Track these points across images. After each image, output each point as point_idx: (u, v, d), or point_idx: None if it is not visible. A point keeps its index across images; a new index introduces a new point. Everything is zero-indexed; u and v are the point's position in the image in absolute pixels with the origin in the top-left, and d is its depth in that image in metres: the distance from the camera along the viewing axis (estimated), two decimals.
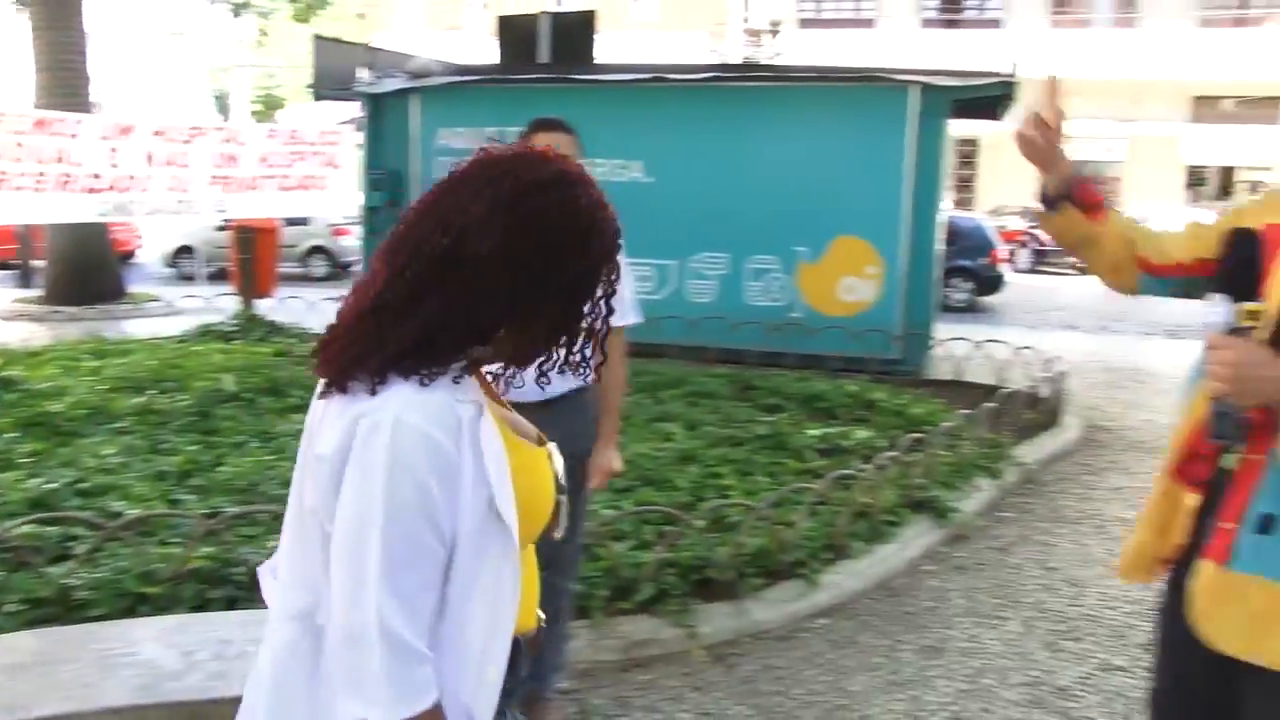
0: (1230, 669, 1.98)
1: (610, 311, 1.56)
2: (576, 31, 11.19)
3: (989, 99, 9.55)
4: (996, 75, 9.22)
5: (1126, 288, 2.26)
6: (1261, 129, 29.01)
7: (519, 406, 3.47)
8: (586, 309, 1.52)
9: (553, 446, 1.70)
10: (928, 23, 31.89)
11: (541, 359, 1.56)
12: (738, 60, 22.70)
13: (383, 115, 10.84)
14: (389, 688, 1.36)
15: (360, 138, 11.34)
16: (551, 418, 3.44)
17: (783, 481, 5.61)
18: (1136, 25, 31.48)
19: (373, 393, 1.40)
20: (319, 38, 11.72)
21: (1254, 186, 27.81)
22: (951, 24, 31.90)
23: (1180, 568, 2.09)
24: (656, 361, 8.43)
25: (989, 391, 7.82)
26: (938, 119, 9.20)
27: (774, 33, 24.43)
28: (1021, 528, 5.97)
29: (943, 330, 10.42)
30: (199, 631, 3.57)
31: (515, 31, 11.46)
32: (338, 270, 19.67)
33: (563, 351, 1.56)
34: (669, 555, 4.52)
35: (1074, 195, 2.19)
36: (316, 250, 20.14)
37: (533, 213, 1.43)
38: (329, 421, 1.44)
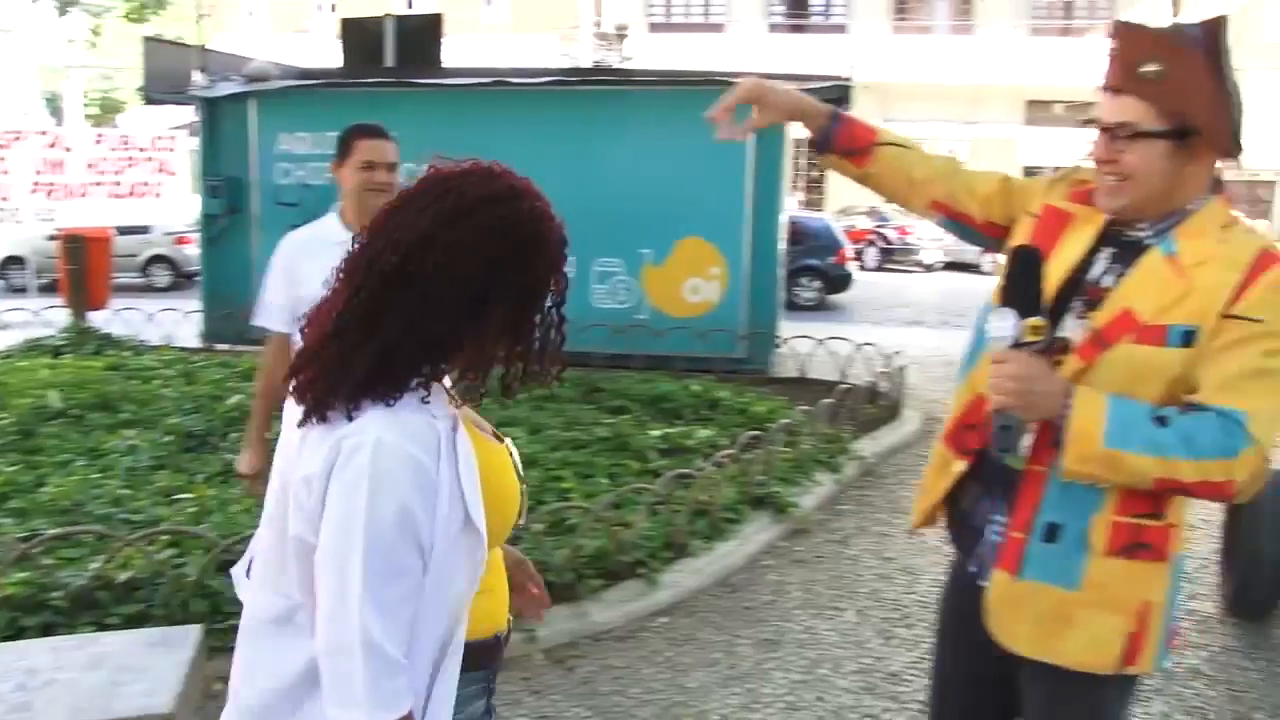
0: (1009, 662, 2.11)
1: (563, 320, 1.58)
2: (423, 35, 11.06)
3: (829, 102, 9.78)
4: (832, 79, 9.46)
5: (921, 217, 2.38)
6: (1091, 133, 30.46)
7: None
8: (537, 320, 1.55)
9: (510, 441, 1.75)
10: (775, 27, 32.51)
11: (501, 371, 1.58)
12: (588, 64, 22.77)
13: (219, 120, 10.52)
14: (370, 695, 1.41)
15: (196, 143, 10.98)
16: None
17: (623, 483, 5.65)
18: (973, 32, 32.74)
19: (350, 419, 1.44)
20: (149, 39, 11.31)
21: None
22: (798, 29, 32.58)
23: (961, 566, 2.19)
24: None
25: (832, 388, 8.01)
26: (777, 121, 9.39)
27: (621, 37, 24.55)
28: (860, 520, 6.14)
29: (791, 328, 10.64)
30: (5, 661, 3.39)
31: (359, 35, 11.26)
32: (181, 280, 18.99)
33: (520, 364, 1.57)
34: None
35: (833, 145, 2.28)
36: (158, 259, 19.41)
37: (474, 227, 1.46)
38: (311, 445, 1.47)
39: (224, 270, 10.42)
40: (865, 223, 25.87)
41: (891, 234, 25.45)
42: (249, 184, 10.42)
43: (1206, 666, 4.37)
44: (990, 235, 2.26)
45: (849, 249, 19.16)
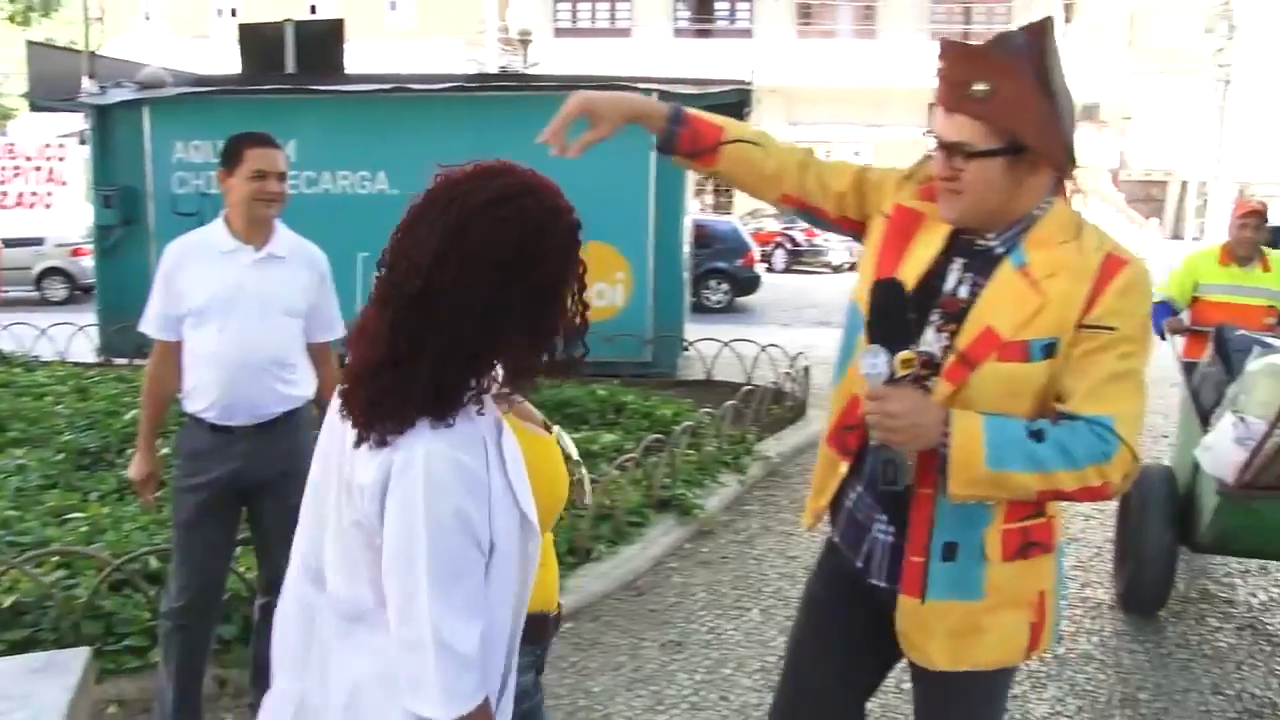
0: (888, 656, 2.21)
1: (586, 308, 1.61)
2: (324, 41, 10.90)
3: (731, 105, 9.88)
4: (734, 83, 9.56)
5: (776, 209, 2.38)
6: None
7: (232, 431, 3.37)
8: (561, 311, 1.57)
9: (559, 430, 1.81)
10: (680, 32, 32.71)
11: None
12: (494, 69, 22.68)
13: (111, 128, 10.25)
14: (442, 691, 1.48)
15: (88, 151, 10.69)
16: (269, 439, 3.37)
17: None
18: (876, 37, 33.33)
19: (401, 434, 1.48)
20: (33, 43, 11.01)
21: None
22: (703, 34, 32.83)
23: (845, 561, 2.21)
24: None
25: (738, 389, 8.09)
26: None
27: (525, 42, 24.49)
28: (764, 520, 6.21)
29: (698, 331, 10.71)
30: None
31: (258, 40, 11.07)
32: (79, 293, 18.40)
33: (545, 357, 1.59)
34: None
35: (677, 146, 2.25)
36: (52, 272, 18.79)
37: (480, 234, 1.48)
38: (364, 459, 1.52)
39: (120, 282, 10.15)
40: (773, 225, 26.12)
41: (799, 236, 25.74)
42: (144, 194, 10.17)
43: (1097, 651, 4.51)
44: (846, 228, 2.28)
45: (757, 251, 19.38)
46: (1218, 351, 5.03)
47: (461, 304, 1.48)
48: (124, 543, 4.62)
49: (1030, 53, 1.89)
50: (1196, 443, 4.54)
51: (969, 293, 2.00)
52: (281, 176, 3.37)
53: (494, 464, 1.52)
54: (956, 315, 1.99)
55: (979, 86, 1.86)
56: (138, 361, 9.21)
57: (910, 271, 2.04)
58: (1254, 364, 4.31)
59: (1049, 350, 1.93)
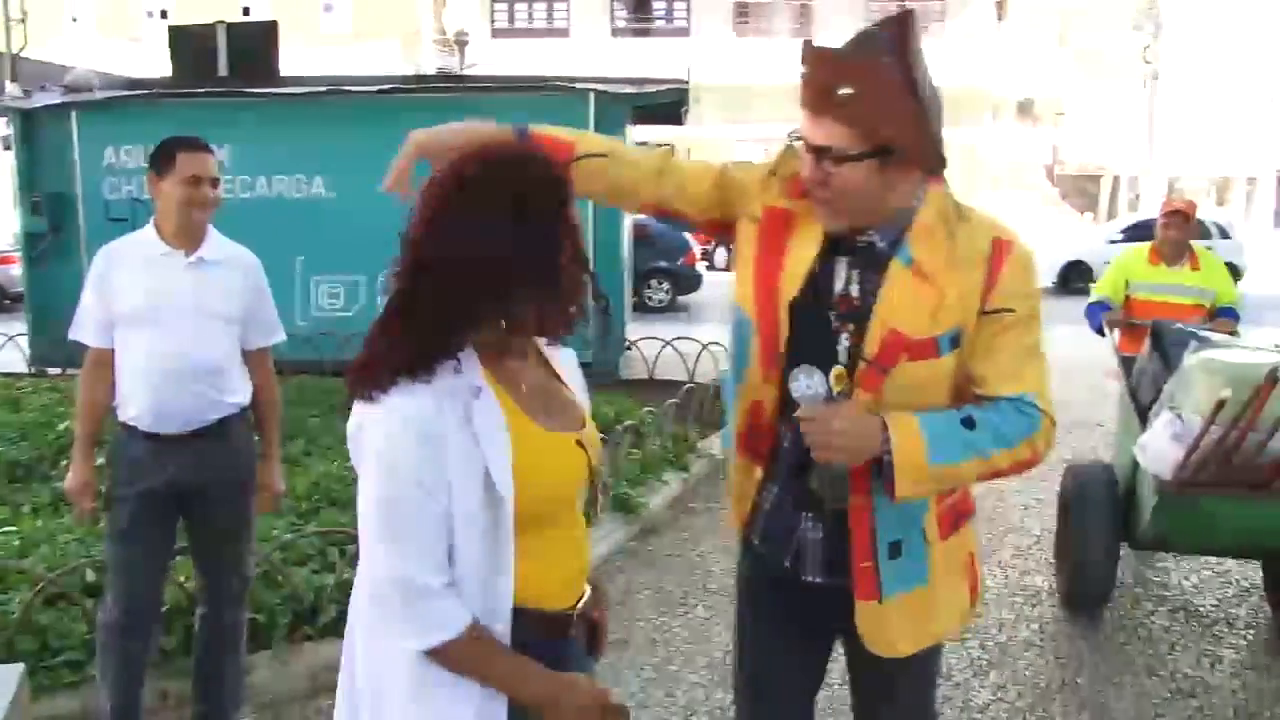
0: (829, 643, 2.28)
1: (582, 266, 1.70)
2: (258, 43, 10.74)
3: (670, 105, 9.91)
4: (670, 82, 9.58)
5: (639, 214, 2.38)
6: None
7: (166, 439, 3.31)
8: (552, 273, 1.65)
9: (586, 433, 1.81)
10: (617, 32, 32.72)
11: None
12: (432, 71, 22.52)
13: (37, 133, 10.04)
14: (410, 623, 1.61)
15: (11, 158, 10.44)
16: (204, 447, 3.33)
17: None
18: (813, 35, 33.53)
19: (385, 391, 1.61)
20: None
21: None
22: (641, 33, 32.87)
23: (770, 562, 2.21)
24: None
25: (680, 388, 8.11)
26: (618, 125, 9.45)
27: (461, 44, 24.34)
28: (709, 517, 6.24)
29: (640, 330, 10.74)
30: None
31: (190, 43, 10.87)
32: (6, 301, 17.98)
33: (548, 311, 1.69)
34: (352, 575, 4.42)
35: None
36: None
37: (460, 204, 1.60)
38: (352, 414, 1.68)
39: (51, 291, 9.93)
40: None
41: None
42: (74, 200, 9.97)
43: (1037, 638, 4.60)
44: (713, 231, 2.25)
45: (698, 250, 19.43)
46: (1155, 346, 4.99)
47: (449, 271, 1.59)
48: (59, 556, 4.53)
49: (894, 51, 1.85)
50: (1135, 439, 4.50)
51: (860, 290, 2.01)
52: (215, 182, 3.33)
53: (457, 421, 1.61)
54: (853, 315, 2.00)
55: (844, 90, 1.83)
56: (70, 371, 9.04)
57: (794, 273, 2.03)
58: (1190, 359, 4.23)
59: (955, 341, 1.97)
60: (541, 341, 1.85)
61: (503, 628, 1.68)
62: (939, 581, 2.13)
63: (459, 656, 1.64)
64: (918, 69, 1.86)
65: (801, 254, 2.03)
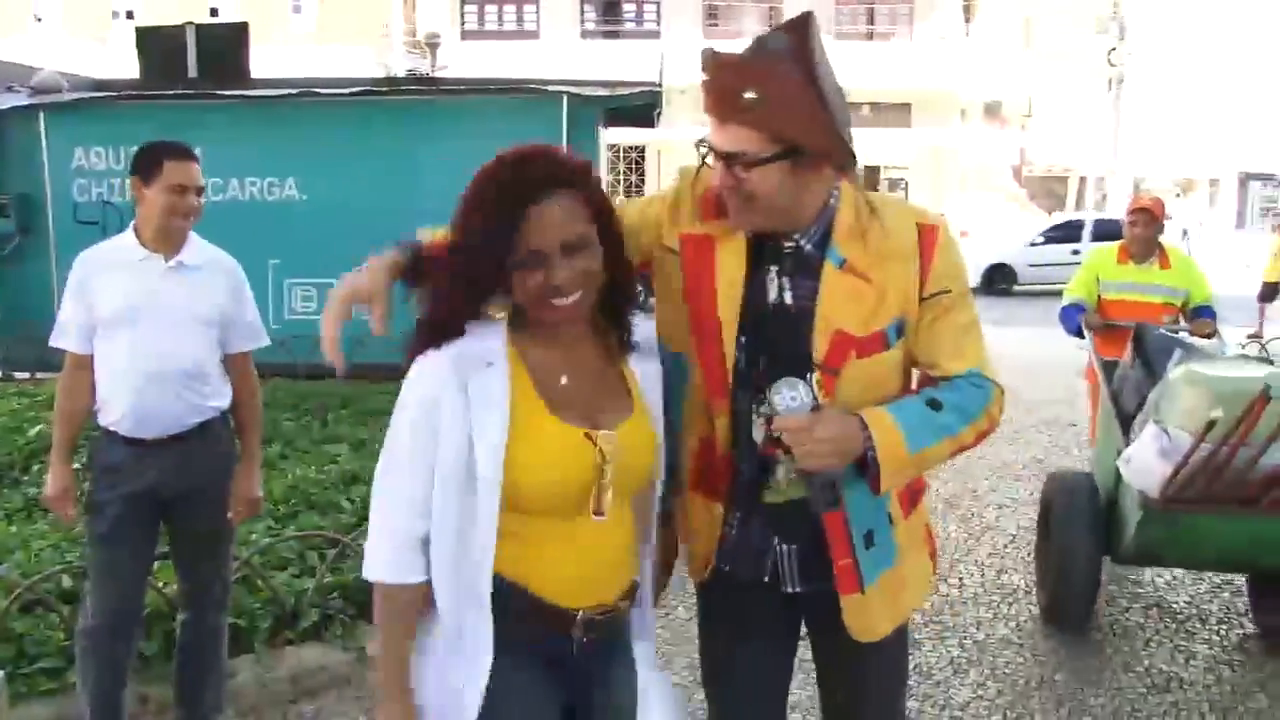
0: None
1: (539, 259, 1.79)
2: (228, 45, 10.65)
3: (642, 107, 9.92)
4: (643, 85, 9.58)
5: None
6: (897, 132, 31.79)
7: (147, 443, 3.29)
8: (491, 267, 1.80)
9: (606, 434, 1.85)
10: (587, 34, 32.68)
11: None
12: (401, 73, 22.42)
13: (5, 134, 9.87)
14: (369, 551, 1.86)
15: None
16: (185, 452, 3.31)
17: None
18: None
19: (414, 356, 1.85)
20: None
21: (892, 185, 30.45)
22: (611, 35, 32.87)
23: (742, 583, 2.19)
24: (323, 383, 8.20)
25: None
26: (590, 127, 9.44)
27: (433, 45, 24.25)
28: None
29: None
30: None
31: (158, 44, 10.76)
32: None
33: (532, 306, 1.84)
34: (333, 579, 4.42)
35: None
36: None
37: (466, 196, 1.84)
38: None
39: (19, 294, 9.81)
40: None
41: None
42: (43, 202, 9.85)
43: (1015, 636, 4.64)
44: (641, 271, 2.16)
45: None
46: (1137, 352, 4.87)
47: (461, 252, 1.82)
48: (34, 563, 4.49)
49: (795, 52, 1.86)
50: (1117, 449, 4.43)
51: (793, 297, 2.02)
52: (199, 190, 3.33)
53: (454, 384, 1.79)
54: (785, 321, 2.02)
55: (748, 95, 1.84)
56: (41, 375, 8.96)
57: (729, 295, 2.03)
58: (1175, 370, 4.11)
59: (900, 330, 2.02)
60: (628, 348, 1.97)
61: (479, 589, 1.82)
62: (904, 559, 2.18)
63: (377, 600, 1.88)
64: (819, 69, 1.86)
65: (731, 276, 2.03)
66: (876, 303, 1.98)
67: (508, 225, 1.77)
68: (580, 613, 1.88)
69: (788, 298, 2.02)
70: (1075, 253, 21.90)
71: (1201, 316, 5.67)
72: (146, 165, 3.25)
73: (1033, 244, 22.35)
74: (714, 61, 1.90)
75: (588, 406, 1.87)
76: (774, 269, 2.02)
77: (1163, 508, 3.95)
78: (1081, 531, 4.52)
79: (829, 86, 1.87)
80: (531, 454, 1.79)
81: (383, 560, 1.85)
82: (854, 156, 1.97)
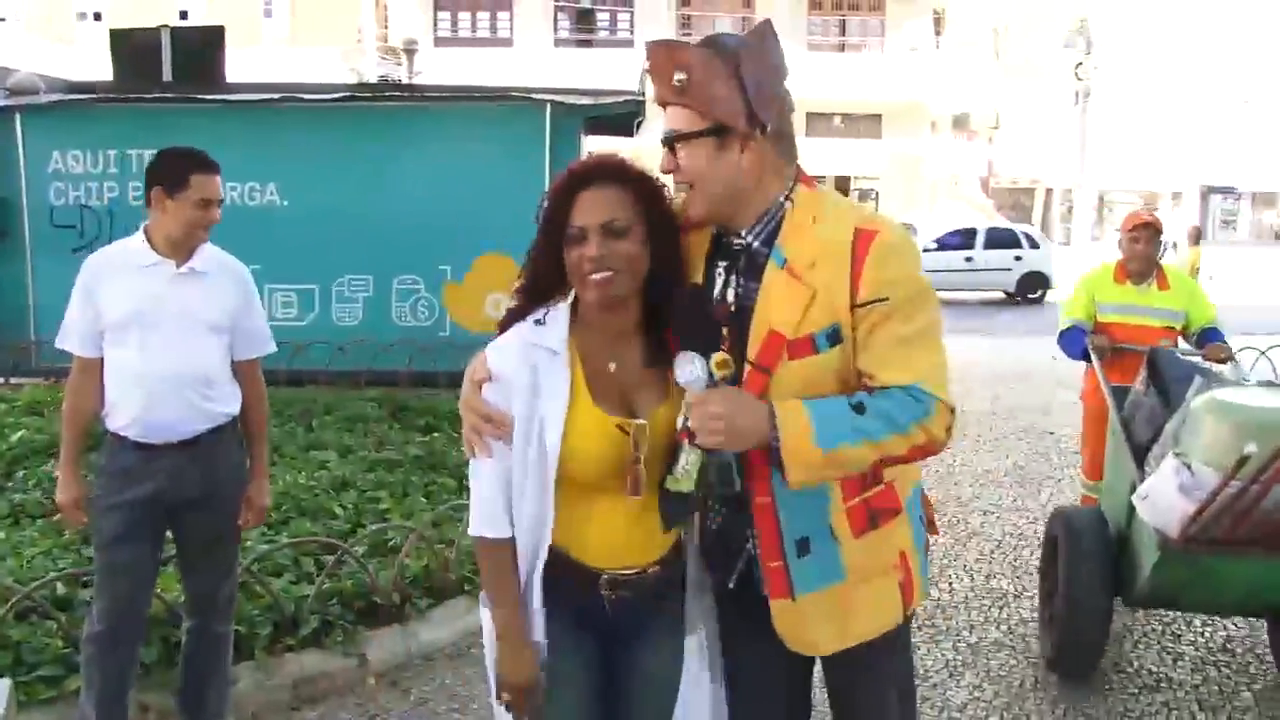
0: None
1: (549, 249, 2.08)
2: (203, 48, 10.58)
3: (621, 116, 9.94)
4: (624, 94, 9.60)
5: None
6: (867, 143, 32.05)
7: (155, 448, 3.26)
8: (542, 265, 2.09)
9: (639, 423, 1.99)
10: (560, 42, 32.68)
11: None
12: (374, 78, 22.32)
13: None
14: (472, 511, 2.12)
15: None
16: (193, 457, 3.29)
17: (441, 500, 5.63)
18: None
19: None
20: None
21: (862, 195, 30.63)
22: (585, 43, 32.90)
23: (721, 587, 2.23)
24: (306, 389, 8.16)
25: None
26: (571, 136, 9.46)
27: (410, 52, 24.19)
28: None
29: None
30: None
31: (132, 47, 10.67)
32: None
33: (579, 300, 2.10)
34: (331, 585, 4.41)
35: None
36: None
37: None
38: None
39: None
40: None
41: None
42: (19, 205, 9.73)
43: (1007, 638, 4.70)
44: None
45: None
46: (1152, 379, 4.43)
47: (536, 246, 2.09)
48: (26, 569, 4.45)
49: (730, 43, 2.00)
50: (1128, 481, 4.12)
51: (735, 295, 2.07)
52: (221, 202, 3.33)
53: (522, 363, 2.03)
54: (732, 319, 2.06)
55: (678, 76, 1.98)
56: (19, 380, 8.87)
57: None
58: (1197, 400, 3.77)
59: (833, 338, 2.00)
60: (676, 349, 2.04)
61: (542, 547, 2.06)
62: (857, 581, 2.13)
63: (479, 554, 2.15)
64: (746, 58, 1.97)
65: (691, 271, 2.14)
66: (807, 306, 1.98)
67: (563, 206, 2.02)
68: (605, 573, 2.10)
69: (729, 295, 2.08)
70: (968, 260, 22.28)
71: (1211, 340, 5.25)
72: (172, 177, 3.21)
73: (924, 250, 21.21)
74: (651, 50, 2.05)
75: (625, 395, 2.07)
76: (722, 265, 2.11)
77: (1182, 548, 3.60)
78: (1092, 573, 4.13)
79: (758, 75, 1.99)
80: (575, 439, 2.01)
81: (474, 517, 2.10)
82: (794, 153, 2.10)
